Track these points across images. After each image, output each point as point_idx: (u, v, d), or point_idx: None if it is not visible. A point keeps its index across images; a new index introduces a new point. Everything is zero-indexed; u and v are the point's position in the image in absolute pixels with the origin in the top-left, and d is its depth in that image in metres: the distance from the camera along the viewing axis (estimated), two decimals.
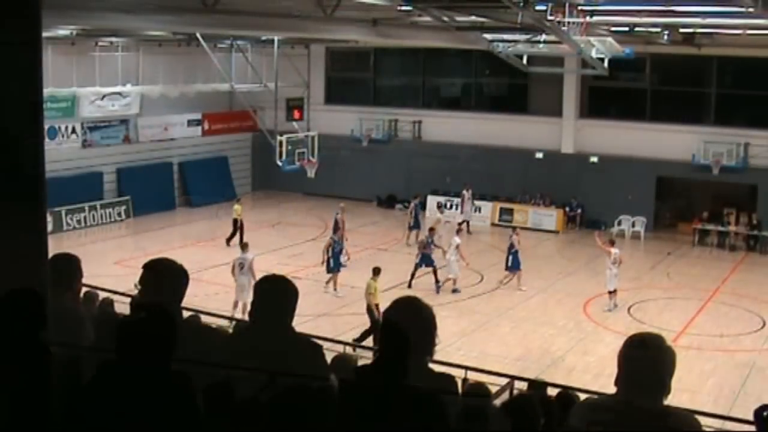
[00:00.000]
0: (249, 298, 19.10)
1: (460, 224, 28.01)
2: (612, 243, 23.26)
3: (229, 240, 27.76)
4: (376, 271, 19.59)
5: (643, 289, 24.14)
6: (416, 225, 29.10)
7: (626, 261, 27.93)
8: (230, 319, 16.88)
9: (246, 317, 18.40)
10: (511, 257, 23.83)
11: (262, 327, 4.18)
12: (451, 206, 32.71)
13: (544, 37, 23.44)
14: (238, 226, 27.86)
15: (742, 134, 29.62)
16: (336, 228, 24.51)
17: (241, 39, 31.14)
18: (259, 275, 4.46)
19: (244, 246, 21.33)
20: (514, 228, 25.84)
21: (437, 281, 23.06)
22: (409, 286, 22.64)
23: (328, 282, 22.72)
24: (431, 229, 24.91)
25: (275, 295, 4.21)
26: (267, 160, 32.05)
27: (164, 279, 4.64)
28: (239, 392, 3.61)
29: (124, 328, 3.59)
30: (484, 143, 33.37)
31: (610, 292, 22.21)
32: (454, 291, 23.01)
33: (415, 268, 23.29)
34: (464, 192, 31.36)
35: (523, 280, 24.15)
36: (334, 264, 22.79)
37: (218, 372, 3.93)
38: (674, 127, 30.48)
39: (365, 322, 18.85)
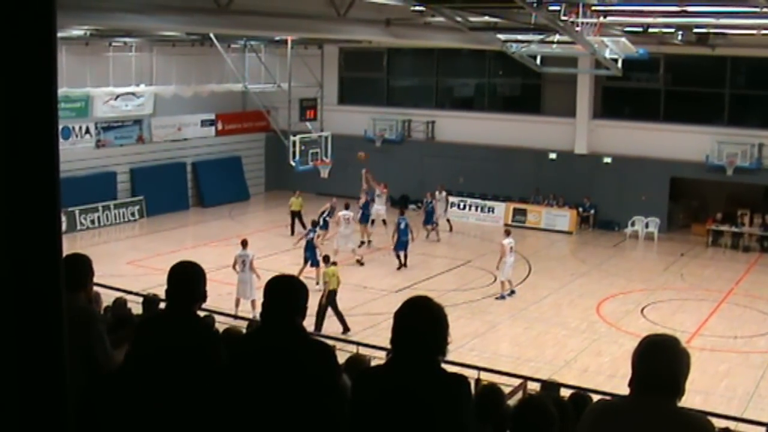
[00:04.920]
0: (251, 295, 19.53)
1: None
2: (507, 233, 23.62)
3: (292, 231, 29.45)
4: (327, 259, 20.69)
5: (657, 290, 24.05)
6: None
7: (640, 262, 27.99)
8: (242, 318, 16.95)
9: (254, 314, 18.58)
10: None
11: (273, 327, 4.18)
12: (464, 206, 32.75)
13: (557, 37, 23.37)
14: (295, 218, 29.54)
15: (756, 135, 29.47)
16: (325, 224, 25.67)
17: (255, 39, 31.20)
18: (272, 275, 4.41)
19: (243, 243, 21.32)
20: None
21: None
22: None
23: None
24: None
25: (284, 295, 4.20)
26: (280, 160, 32.10)
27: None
28: None
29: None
30: (498, 144, 33.33)
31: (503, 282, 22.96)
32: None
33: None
34: (436, 192, 30.88)
35: (535, 281, 24.14)
36: (312, 258, 23.33)
37: None
38: (688, 128, 30.37)
39: (375, 323, 18.87)
